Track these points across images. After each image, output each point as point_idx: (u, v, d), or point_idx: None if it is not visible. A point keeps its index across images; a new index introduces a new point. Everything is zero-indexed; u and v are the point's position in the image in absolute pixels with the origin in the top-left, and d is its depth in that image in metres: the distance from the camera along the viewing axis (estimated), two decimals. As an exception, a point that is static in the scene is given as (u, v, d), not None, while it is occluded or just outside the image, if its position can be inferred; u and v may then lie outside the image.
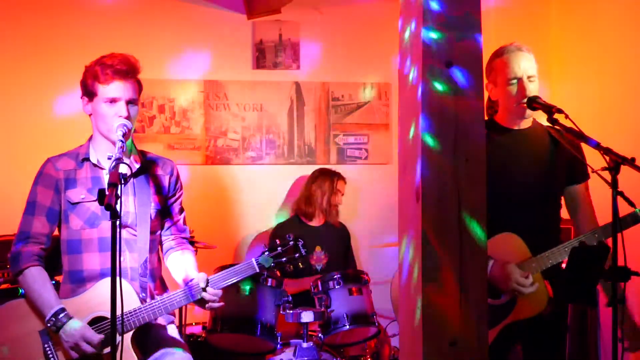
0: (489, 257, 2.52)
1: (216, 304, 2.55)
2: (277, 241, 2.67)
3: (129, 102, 2.50)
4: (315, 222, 4.24)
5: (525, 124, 2.73)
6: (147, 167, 2.67)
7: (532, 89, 2.63)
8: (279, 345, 3.35)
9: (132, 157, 2.62)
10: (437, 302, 1.80)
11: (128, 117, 2.48)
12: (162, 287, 2.74)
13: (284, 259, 2.65)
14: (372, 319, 3.43)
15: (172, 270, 2.70)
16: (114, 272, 2.02)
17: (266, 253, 2.63)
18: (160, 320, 2.67)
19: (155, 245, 2.69)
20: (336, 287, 3.42)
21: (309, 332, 3.30)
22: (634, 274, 2.18)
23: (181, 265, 2.67)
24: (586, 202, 2.77)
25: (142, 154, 2.70)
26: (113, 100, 2.48)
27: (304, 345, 3.25)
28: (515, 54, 2.66)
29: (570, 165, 2.71)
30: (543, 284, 2.60)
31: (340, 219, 4.37)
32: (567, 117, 2.47)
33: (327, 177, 4.29)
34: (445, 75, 1.84)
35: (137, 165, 2.63)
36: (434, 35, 1.83)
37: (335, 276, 3.45)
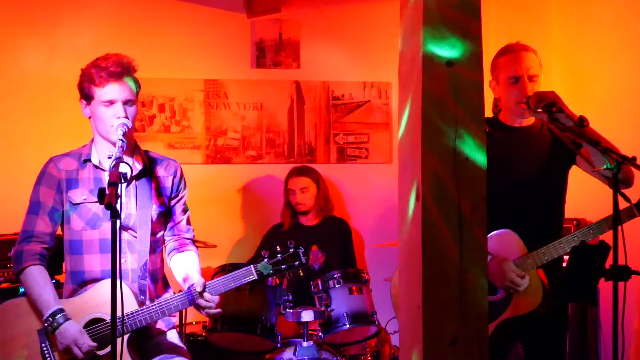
0: (488, 252, 2.53)
1: (213, 311, 2.53)
2: (278, 248, 2.63)
3: (126, 103, 2.50)
4: (311, 221, 4.19)
5: (528, 121, 2.73)
6: (150, 168, 2.67)
7: (534, 88, 2.63)
8: (279, 344, 3.35)
9: (134, 158, 2.62)
10: (437, 301, 1.80)
11: (126, 117, 2.48)
12: (164, 287, 2.73)
13: (284, 266, 2.61)
14: (372, 318, 3.43)
15: (173, 272, 2.70)
16: (114, 272, 2.02)
17: (265, 260, 2.59)
18: (160, 325, 2.67)
19: (158, 245, 2.69)
20: (336, 286, 3.42)
21: (309, 331, 3.30)
22: (634, 272, 2.19)
23: (182, 267, 2.66)
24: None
25: (146, 154, 2.70)
26: (110, 102, 2.48)
27: (304, 344, 3.25)
28: (518, 53, 2.67)
29: (571, 160, 2.71)
30: (539, 280, 2.60)
31: (338, 217, 4.35)
32: (567, 116, 2.47)
33: (285, 178, 4.20)
34: (445, 74, 1.84)
35: (140, 167, 2.62)
36: (434, 34, 1.83)
37: (335, 275, 3.45)
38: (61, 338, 2.39)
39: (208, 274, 3.63)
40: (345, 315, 3.36)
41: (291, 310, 3.25)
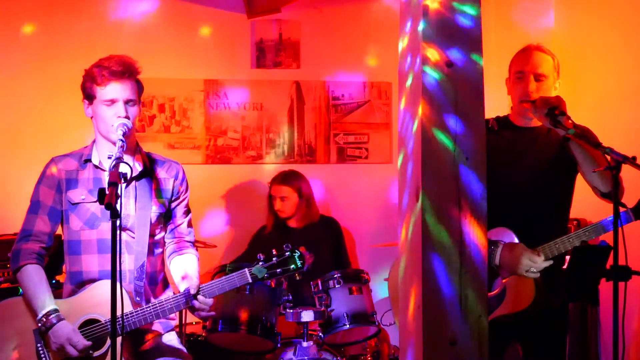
0: (498, 240, 2.52)
1: (206, 313, 2.52)
2: (274, 251, 2.58)
3: (127, 102, 2.50)
4: (297, 223, 4.16)
5: (537, 122, 2.72)
6: (151, 169, 2.66)
7: (540, 88, 2.63)
8: (279, 345, 3.35)
9: (135, 158, 2.61)
10: (437, 302, 1.80)
11: (127, 117, 2.48)
12: (164, 290, 2.72)
13: (279, 270, 2.55)
14: (372, 318, 3.43)
15: (172, 274, 2.70)
16: (114, 272, 2.01)
17: (260, 263, 2.54)
18: (158, 327, 2.66)
19: (157, 247, 2.68)
20: (336, 286, 3.42)
21: (309, 331, 3.30)
22: (635, 273, 2.19)
23: (180, 270, 2.66)
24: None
25: (148, 156, 2.69)
26: (111, 102, 2.48)
27: (304, 344, 3.26)
28: (530, 51, 2.68)
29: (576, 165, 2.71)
30: (533, 279, 2.59)
31: (337, 218, 4.33)
32: (569, 118, 2.47)
33: (270, 183, 4.19)
34: (446, 75, 1.84)
35: (140, 168, 2.62)
36: (433, 34, 1.83)
37: (335, 275, 3.45)
38: (54, 338, 2.39)
39: (208, 274, 3.63)
40: (345, 316, 3.36)
41: (291, 311, 3.26)
